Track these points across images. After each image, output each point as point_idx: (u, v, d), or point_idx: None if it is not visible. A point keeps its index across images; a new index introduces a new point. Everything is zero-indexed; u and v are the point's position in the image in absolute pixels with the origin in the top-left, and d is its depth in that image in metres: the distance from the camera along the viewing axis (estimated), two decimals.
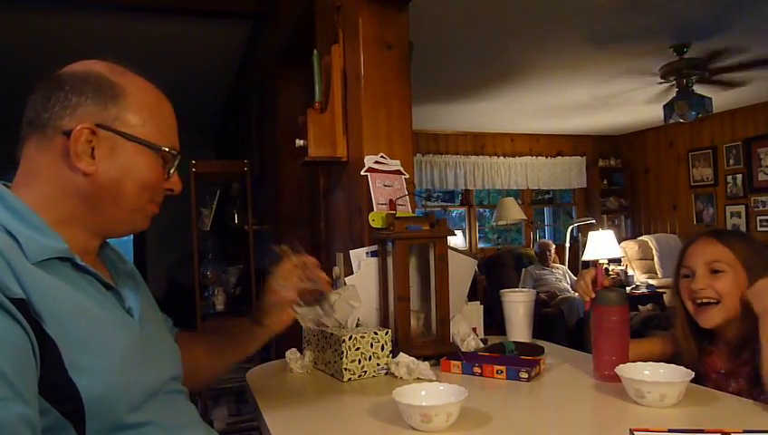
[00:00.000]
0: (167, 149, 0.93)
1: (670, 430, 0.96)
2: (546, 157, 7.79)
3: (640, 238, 7.07)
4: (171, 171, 0.96)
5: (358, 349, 1.43)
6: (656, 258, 6.69)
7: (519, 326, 1.76)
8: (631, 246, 6.88)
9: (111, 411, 0.79)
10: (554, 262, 6.08)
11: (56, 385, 0.75)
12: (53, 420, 0.74)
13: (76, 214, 0.88)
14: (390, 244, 1.58)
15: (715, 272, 1.29)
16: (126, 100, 0.90)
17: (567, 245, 6.66)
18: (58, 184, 0.87)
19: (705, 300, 1.29)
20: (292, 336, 1.53)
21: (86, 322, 0.80)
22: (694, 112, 4.48)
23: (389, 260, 1.61)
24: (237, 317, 1.38)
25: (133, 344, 0.86)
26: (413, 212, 1.81)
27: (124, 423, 0.81)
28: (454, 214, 7.79)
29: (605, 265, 6.34)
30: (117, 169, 0.89)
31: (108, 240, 1.02)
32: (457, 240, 7.05)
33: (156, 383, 0.90)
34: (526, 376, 1.35)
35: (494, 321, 2.02)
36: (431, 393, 1.14)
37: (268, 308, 1.22)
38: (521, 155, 7.68)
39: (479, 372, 1.42)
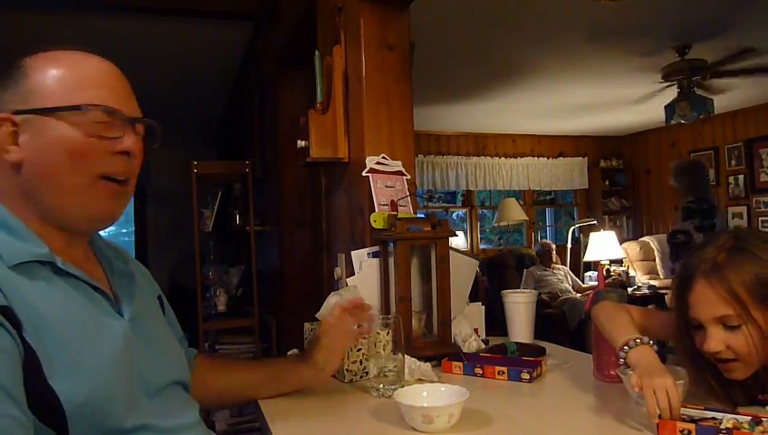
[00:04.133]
0: (85, 106, 0.84)
1: (707, 408, 1.00)
2: (548, 157, 7.79)
3: (642, 239, 7.07)
4: (111, 132, 0.87)
5: (359, 350, 1.43)
6: (657, 259, 6.68)
7: (520, 327, 1.76)
8: (633, 247, 6.87)
9: (97, 417, 0.77)
10: (556, 263, 6.08)
11: (37, 394, 0.73)
12: (36, 430, 0.72)
13: (33, 212, 0.85)
14: (392, 245, 1.58)
15: (728, 327, 1.05)
16: (31, 76, 0.85)
17: (568, 246, 6.65)
18: (6, 187, 0.84)
19: (723, 358, 1.07)
20: (294, 337, 1.52)
21: (68, 327, 0.78)
22: (695, 113, 4.48)
23: (391, 261, 1.61)
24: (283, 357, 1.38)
25: (121, 348, 0.83)
26: (414, 213, 1.81)
27: (114, 428, 0.79)
28: (455, 215, 7.79)
29: (606, 266, 6.33)
30: (43, 147, 0.83)
31: (106, 239, 1.01)
32: (459, 241, 7.04)
33: (151, 386, 0.88)
34: (528, 377, 1.35)
35: (496, 322, 2.02)
36: (433, 394, 1.14)
37: (322, 349, 1.24)
38: (522, 156, 7.68)
39: (480, 372, 1.42)
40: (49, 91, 0.84)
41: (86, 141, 0.84)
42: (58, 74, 0.85)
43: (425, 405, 1.09)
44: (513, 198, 6.93)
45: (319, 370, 1.24)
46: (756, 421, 0.92)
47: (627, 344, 1.12)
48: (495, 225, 6.95)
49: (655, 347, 1.12)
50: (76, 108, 0.84)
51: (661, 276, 6.51)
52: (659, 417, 0.96)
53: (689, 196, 3.71)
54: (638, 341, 1.12)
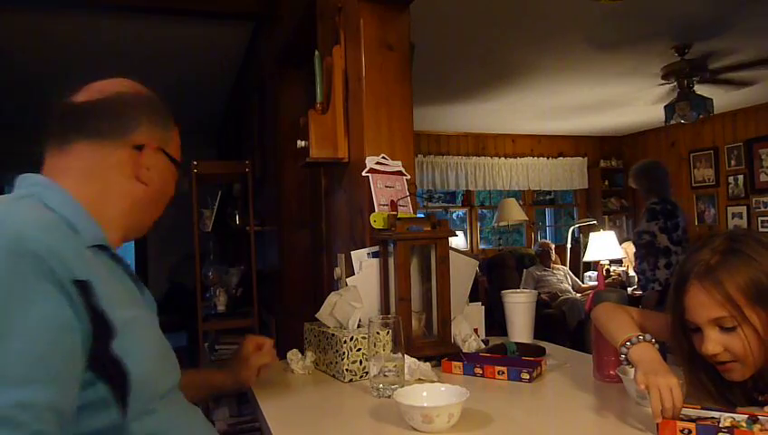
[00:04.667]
0: (182, 167, 1.10)
1: (704, 408, 1.00)
2: (547, 158, 7.79)
3: None
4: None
5: (359, 350, 1.44)
6: None
7: (520, 327, 1.76)
8: (632, 247, 6.86)
9: (147, 396, 0.84)
10: (555, 263, 6.08)
11: (107, 362, 0.78)
12: (100, 395, 0.77)
13: (122, 215, 0.98)
14: (392, 245, 1.58)
15: (724, 329, 1.04)
16: (172, 129, 1.07)
17: (568, 246, 6.65)
18: (114, 187, 0.97)
19: (721, 360, 1.07)
20: (294, 337, 1.53)
21: (129, 308, 0.86)
22: (695, 113, 4.47)
23: (391, 261, 1.61)
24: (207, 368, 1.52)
25: (161, 338, 0.93)
26: (414, 213, 1.81)
27: (151, 409, 0.85)
28: (455, 215, 7.79)
29: (606, 267, 6.33)
30: (162, 184, 1.04)
31: None
32: (459, 241, 7.04)
33: (172, 381, 0.94)
34: (527, 377, 1.35)
35: (496, 322, 2.02)
36: (432, 394, 1.14)
37: (251, 367, 1.34)
38: (522, 156, 7.67)
39: (480, 372, 1.42)
40: (175, 145, 1.08)
41: (173, 187, 1.10)
42: (177, 137, 1.10)
43: (425, 405, 1.09)
44: (513, 198, 6.92)
45: (239, 383, 1.35)
46: (753, 419, 0.93)
47: (629, 340, 1.12)
48: (495, 225, 6.95)
49: (656, 345, 1.12)
50: (181, 167, 1.10)
51: None
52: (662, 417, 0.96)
53: (651, 197, 3.76)
54: (641, 338, 1.11)
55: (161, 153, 1.02)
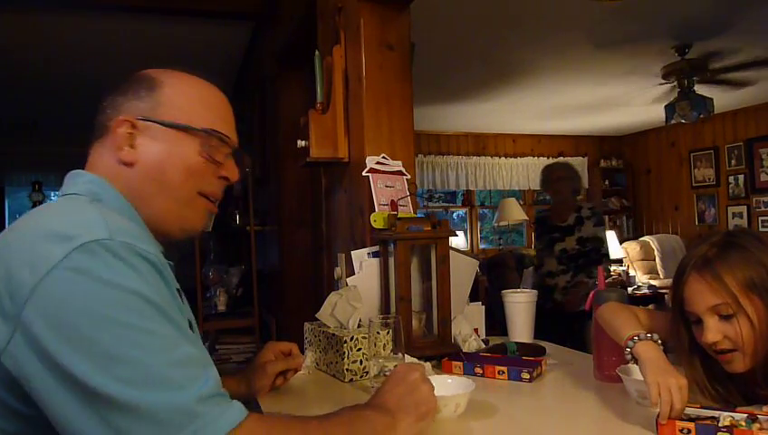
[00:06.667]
0: (203, 130, 0.91)
1: (703, 407, 1.01)
2: (548, 157, 7.78)
3: (642, 239, 7.07)
4: (220, 157, 0.94)
5: (359, 350, 1.44)
6: (657, 259, 6.68)
7: (520, 327, 1.76)
8: (633, 247, 6.87)
9: None
10: None
11: None
12: None
13: (139, 212, 0.89)
14: (392, 244, 1.58)
15: (723, 317, 1.07)
16: (162, 90, 0.91)
17: None
18: (111, 177, 0.88)
19: (722, 349, 1.08)
20: (294, 337, 1.53)
21: (184, 321, 0.86)
22: (695, 113, 4.48)
23: (391, 261, 1.61)
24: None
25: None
26: (414, 213, 1.81)
27: None
28: (455, 215, 7.79)
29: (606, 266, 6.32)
30: (158, 155, 0.89)
31: None
32: (459, 241, 7.04)
33: None
34: (528, 377, 1.35)
35: (496, 321, 2.02)
36: (440, 385, 1.14)
37: (267, 375, 1.30)
38: (522, 156, 7.68)
39: (481, 372, 1.42)
40: (177, 107, 0.91)
41: (198, 161, 0.91)
42: (188, 96, 0.93)
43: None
44: (513, 198, 6.92)
45: (254, 390, 1.29)
46: (752, 419, 0.93)
47: (636, 336, 1.13)
48: (495, 225, 6.95)
49: (661, 346, 1.13)
50: (194, 129, 0.91)
51: (661, 276, 6.51)
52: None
53: (576, 198, 3.46)
54: (647, 336, 1.13)
55: (144, 122, 0.88)
